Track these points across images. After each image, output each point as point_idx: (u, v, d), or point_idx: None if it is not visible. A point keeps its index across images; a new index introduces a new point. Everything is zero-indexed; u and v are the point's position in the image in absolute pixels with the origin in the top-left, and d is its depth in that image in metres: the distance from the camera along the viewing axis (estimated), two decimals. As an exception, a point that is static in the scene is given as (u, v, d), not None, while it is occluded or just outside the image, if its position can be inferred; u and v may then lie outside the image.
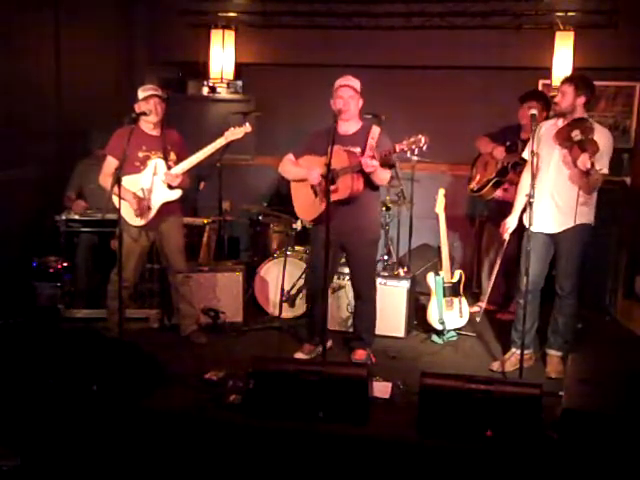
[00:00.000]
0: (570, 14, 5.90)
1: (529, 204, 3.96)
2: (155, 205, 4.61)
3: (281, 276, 5.17)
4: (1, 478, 3.28)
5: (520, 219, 4.41)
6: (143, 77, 6.44)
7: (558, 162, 4.25)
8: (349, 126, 4.41)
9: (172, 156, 4.65)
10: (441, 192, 5.13)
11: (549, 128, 4.34)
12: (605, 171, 4.12)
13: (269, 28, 6.52)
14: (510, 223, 4.47)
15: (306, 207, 4.50)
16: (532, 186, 3.96)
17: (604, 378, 3.54)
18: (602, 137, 4.12)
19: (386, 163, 4.33)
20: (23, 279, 5.18)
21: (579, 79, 4.26)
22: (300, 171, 4.46)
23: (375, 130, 4.38)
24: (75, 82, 5.73)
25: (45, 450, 3.47)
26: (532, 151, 4.01)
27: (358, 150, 4.33)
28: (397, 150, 4.17)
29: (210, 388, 3.96)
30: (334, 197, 4.23)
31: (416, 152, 4.18)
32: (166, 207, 4.66)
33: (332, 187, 4.21)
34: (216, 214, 5.68)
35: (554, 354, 4.43)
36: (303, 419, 3.49)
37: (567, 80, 4.28)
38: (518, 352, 4.31)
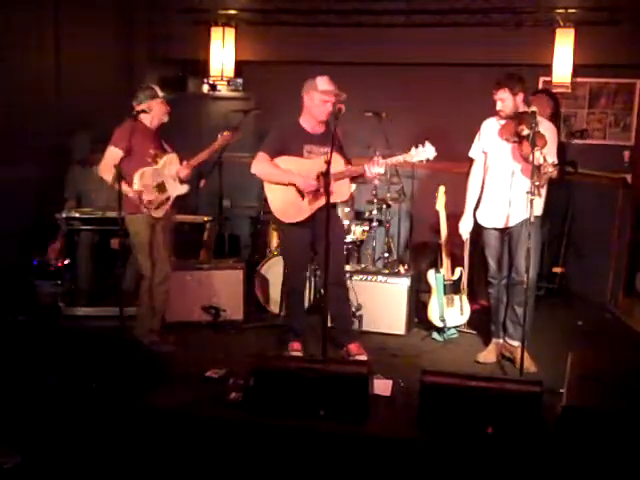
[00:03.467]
0: (571, 11, 5.89)
1: (530, 202, 3.94)
2: (172, 198, 4.56)
3: (281, 274, 5.17)
4: (3, 476, 3.28)
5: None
6: (143, 75, 6.44)
7: (508, 157, 4.28)
8: (318, 125, 4.40)
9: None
10: (441, 189, 5.13)
11: (491, 125, 4.38)
12: (555, 161, 4.12)
13: (269, 25, 6.51)
14: (465, 227, 4.55)
15: (289, 209, 4.39)
16: (532, 183, 3.95)
17: (605, 375, 3.54)
18: (547, 129, 4.18)
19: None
20: (24, 277, 5.19)
21: (508, 80, 4.22)
22: (286, 175, 4.34)
23: (338, 130, 4.27)
24: (75, 81, 5.72)
25: (46, 448, 3.46)
26: (532, 149, 3.98)
27: (327, 149, 4.14)
28: (406, 160, 4.11)
29: (211, 386, 3.96)
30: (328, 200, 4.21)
31: (424, 162, 4.07)
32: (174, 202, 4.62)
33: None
34: (216, 212, 5.68)
35: (516, 345, 4.35)
36: (304, 417, 3.49)
37: (498, 87, 4.23)
38: (500, 341, 4.52)
